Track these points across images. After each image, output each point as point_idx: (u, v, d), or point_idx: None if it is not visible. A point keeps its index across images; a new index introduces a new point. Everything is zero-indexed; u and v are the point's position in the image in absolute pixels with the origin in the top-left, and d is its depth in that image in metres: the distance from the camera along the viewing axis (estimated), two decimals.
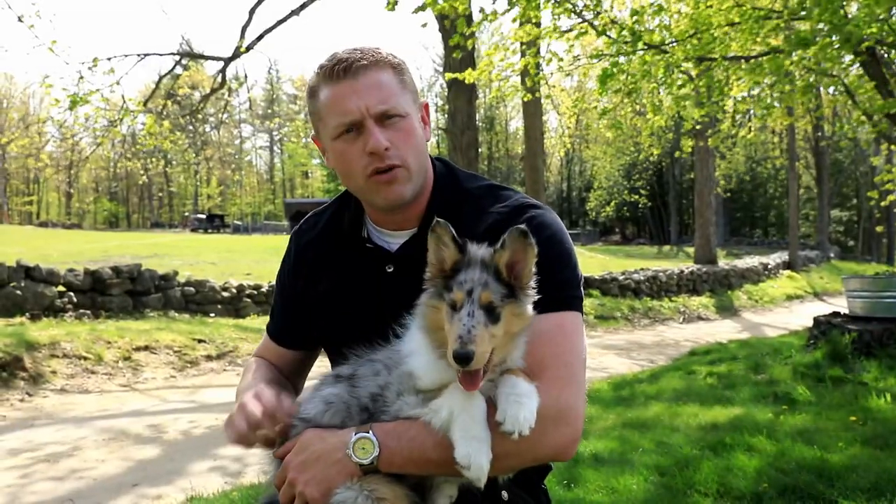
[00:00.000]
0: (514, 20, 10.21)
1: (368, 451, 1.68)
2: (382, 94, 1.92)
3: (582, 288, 1.98)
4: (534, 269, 1.66)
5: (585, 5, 10.21)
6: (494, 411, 1.61)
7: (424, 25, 11.76)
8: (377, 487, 1.67)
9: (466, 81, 11.99)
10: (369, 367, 1.84)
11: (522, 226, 1.62)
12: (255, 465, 6.68)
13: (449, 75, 13.10)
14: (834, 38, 8.41)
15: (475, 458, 1.55)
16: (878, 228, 36.06)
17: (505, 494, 1.97)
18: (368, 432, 1.70)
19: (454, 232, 1.65)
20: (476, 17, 11.80)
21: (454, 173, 2.18)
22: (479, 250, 1.66)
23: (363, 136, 1.93)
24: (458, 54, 11.88)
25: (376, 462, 1.68)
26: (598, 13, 10.40)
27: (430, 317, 1.66)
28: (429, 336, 1.67)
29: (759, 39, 9.94)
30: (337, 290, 2.12)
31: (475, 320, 1.55)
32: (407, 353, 1.74)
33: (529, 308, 1.66)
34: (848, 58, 10.58)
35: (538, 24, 10.59)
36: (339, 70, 1.91)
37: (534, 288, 1.68)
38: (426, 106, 2.11)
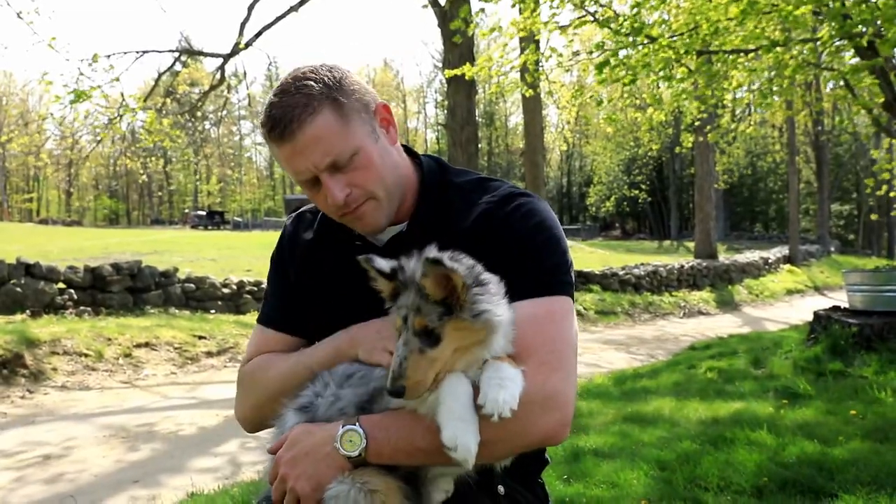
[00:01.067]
0: (514, 5, 10.17)
1: (356, 444, 1.68)
2: (325, 147, 1.85)
3: (572, 274, 1.97)
4: (470, 283, 1.62)
5: None
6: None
7: (425, 7, 11.78)
8: (369, 479, 1.67)
9: (466, 77, 11.98)
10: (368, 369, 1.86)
11: (431, 254, 1.59)
12: (254, 462, 6.70)
13: (448, 72, 13.10)
14: (833, 27, 8.41)
15: (461, 438, 1.55)
16: (873, 216, 36.10)
17: (501, 488, 1.97)
18: (355, 424, 1.71)
19: (378, 264, 1.68)
20: (475, 6, 11.82)
21: (444, 168, 2.17)
22: (412, 270, 1.66)
23: (323, 188, 1.91)
24: (459, 39, 11.87)
25: (364, 454, 1.69)
26: (601, 4, 10.39)
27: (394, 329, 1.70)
28: None
29: (757, 32, 9.93)
30: (326, 285, 2.13)
31: (408, 349, 1.58)
32: None
33: (484, 317, 1.62)
34: (848, 53, 10.58)
35: (537, 14, 10.57)
36: (278, 134, 1.85)
37: (479, 299, 1.63)
38: (385, 107, 2.02)
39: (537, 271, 1.86)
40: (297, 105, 1.84)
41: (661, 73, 10.45)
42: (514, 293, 1.79)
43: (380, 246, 2.08)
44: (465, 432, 1.56)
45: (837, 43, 9.29)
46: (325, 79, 1.89)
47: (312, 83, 1.87)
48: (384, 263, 1.69)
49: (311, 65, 1.94)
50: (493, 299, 1.65)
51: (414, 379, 1.55)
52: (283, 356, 2.12)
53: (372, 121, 1.96)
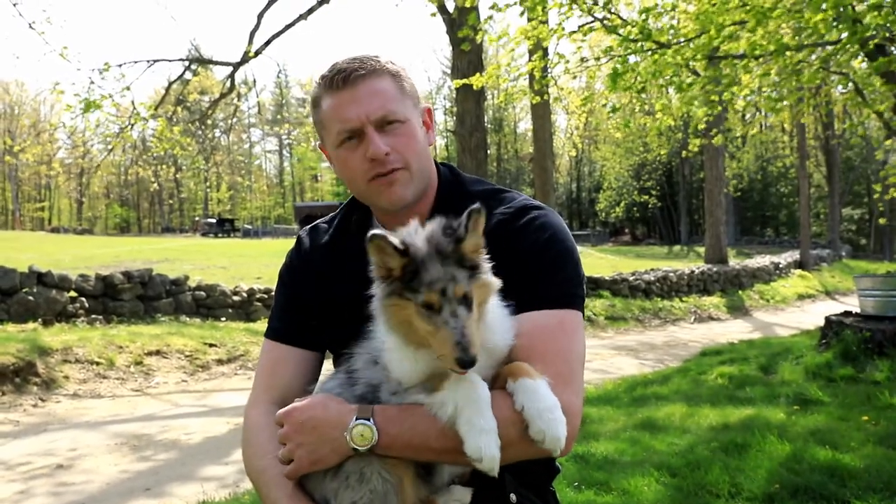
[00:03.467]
0: (522, 14, 10.23)
1: (367, 438, 1.68)
2: (381, 101, 1.95)
3: (584, 287, 1.99)
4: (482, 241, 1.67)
5: (594, 3, 10.19)
6: (502, 395, 1.65)
7: (433, 15, 11.80)
8: (387, 458, 1.70)
9: (475, 87, 11.99)
10: (362, 359, 1.85)
11: (476, 205, 1.63)
12: None
13: (457, 82, 13.13)
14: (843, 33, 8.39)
15: (486, 450, 1.57)
16: (881, 221, 35.89)
17: (513, 497, 1.97)
18: (369, 420, 1.70)
19: (393, 239, 1.64)
20: (484, 14, 11.82)
21: (459, 178, 2.20)
22: (426, 242, 1.65)
23: (364, 143, 1.96)
24: (467, 46, 11.90)
25: (373, 449, 1.69)
26: (611, 11, 10.39)
27: (396, 315, 1.65)
28: (397, 333, 1.67)
29: (766, 37, 9.90)
30: (348, 294, 2.12)
31: (462, 320, 1.57)
32: (381, 354, 1.75)
33: (490, 275, 1.67)
34: (859, 57, 10.53)
35: (545, 22, 10.58)
36: (339, 80, 1.95)
37: (486, 254, 1.69)
38: (429, 110, 2.14)
39: (549, 284, 1.89)
40: (364, 64, 1.98)
41: (671, 80, 10.43)
42: (526, 304, 1.83)
43: None
44: (489, 444, 1.58)
45: (848, 47, 9.26)
46: (393, 61, 2.05)
47: (380, 58, 2.02)
48: (397, 240, 1.65)
49: None
50: None
51: (477, 345, 1.56)
52: (271, 444, 1.92)
53: (420, 115, 2.09)
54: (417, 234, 1.67)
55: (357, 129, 1.95)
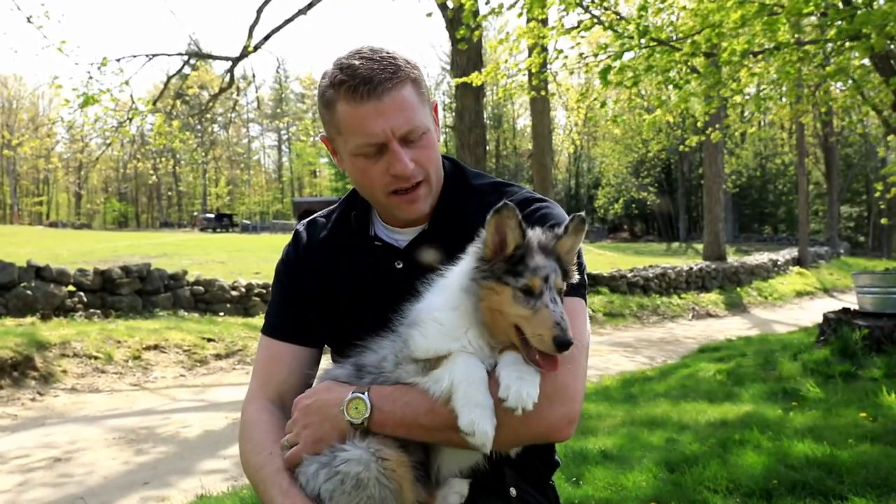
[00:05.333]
0: (520, 15, 10.22)
1: (361, 412, 1.73)
2: (406, 115, 1.91)
3: (585, 277, 1.99)
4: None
5: (592, 1, 10.17)
6: (494, 382, 1.66)
7: (429, 15, 11.76)
8: (382, 448, 1.72)
9: (473, 84, 11.96)
10: (372, 355, 1.88)
11: (581, 213, 1.75)
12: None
13: (457, 80, 13.10)
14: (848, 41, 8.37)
15: (479, 424, 1.58)
16: (883, 220, 35.83)
17: (513, 491, 1.98)
18: (364, 393, 1.75)
19: (520, 216, 1.69)
20: (482, 10, 11.78)
21: (462, 171, 2.21)
22: (533, 236, 1.72)
23: (387, 156, 1.93)
24: (464, 46, 11.85)
25: (367, 423, 1.73)
26: (606, 8, 10.37)
27: (488, 298, 1.68)
28: (483, 316, 1.69)
29: (766, 34, 9.88)
30: (347, 287, 2.12)
31: (559, 307, 1.63)
32: (417, 321, 1.77)
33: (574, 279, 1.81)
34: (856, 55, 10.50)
35: (545, 22, 10.56)
36: (364, 92, 1.87)
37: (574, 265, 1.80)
38: (435, 105, 2.12)
39: None
40: (385, 69, 1.90)
41: (667, 76, 10.41)
42: None
43: (400, 247, 2.10)
44: (482, 418, 1.59)
45: (847, 43, 9.24)
46: (407, 60, 1.97)
47: (396, 59, 1.94)
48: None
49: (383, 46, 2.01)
50: None
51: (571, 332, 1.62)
52: (267, 440, 1.97)
53: (432, 114, 2.05)
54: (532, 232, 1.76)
55: (377, 145, 1.92)
